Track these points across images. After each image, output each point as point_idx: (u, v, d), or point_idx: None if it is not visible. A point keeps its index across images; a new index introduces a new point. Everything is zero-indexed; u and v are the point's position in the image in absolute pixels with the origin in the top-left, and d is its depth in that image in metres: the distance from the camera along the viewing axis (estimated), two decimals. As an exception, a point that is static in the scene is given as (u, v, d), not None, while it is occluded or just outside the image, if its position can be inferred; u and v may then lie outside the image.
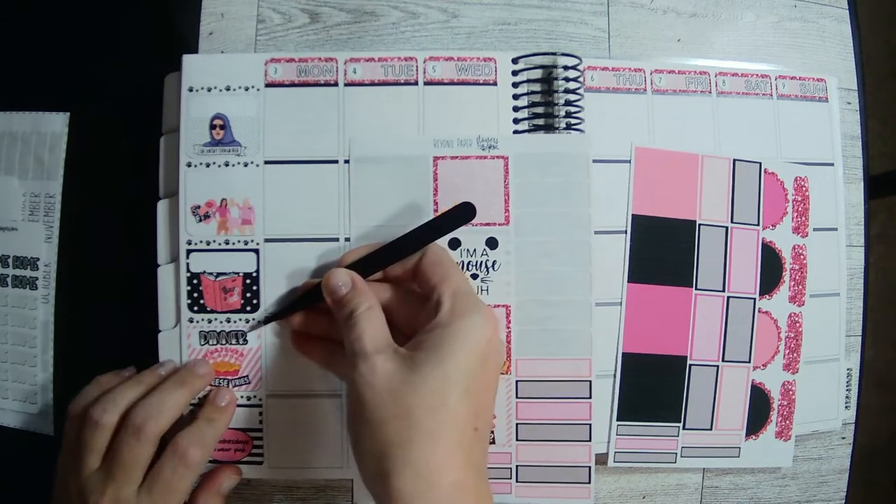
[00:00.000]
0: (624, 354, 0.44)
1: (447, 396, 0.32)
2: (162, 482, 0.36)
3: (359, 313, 0.35)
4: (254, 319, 0.42)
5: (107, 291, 0.47)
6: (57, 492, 0.38)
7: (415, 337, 0.35)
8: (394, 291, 0.39)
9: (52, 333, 0.46)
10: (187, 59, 0.43)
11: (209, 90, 0.42)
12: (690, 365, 0.45)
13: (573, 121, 0.44)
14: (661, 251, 0.45)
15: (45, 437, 0.46)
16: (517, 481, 0.43)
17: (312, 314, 0.41)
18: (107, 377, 0.40)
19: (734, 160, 0.46)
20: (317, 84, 0.43)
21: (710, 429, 0.46)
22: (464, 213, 0.38)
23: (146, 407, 0.37)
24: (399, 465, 0.31)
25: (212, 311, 0.42)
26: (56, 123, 0.47)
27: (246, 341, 0.42)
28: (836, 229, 0.48)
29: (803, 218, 0.47)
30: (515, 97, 0.44)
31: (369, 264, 0.39)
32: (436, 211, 0.42)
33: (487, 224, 0.43)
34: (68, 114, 0.47)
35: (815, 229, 0.47)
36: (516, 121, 0.43)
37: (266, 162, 0.42)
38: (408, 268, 0.39)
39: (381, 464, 0.31)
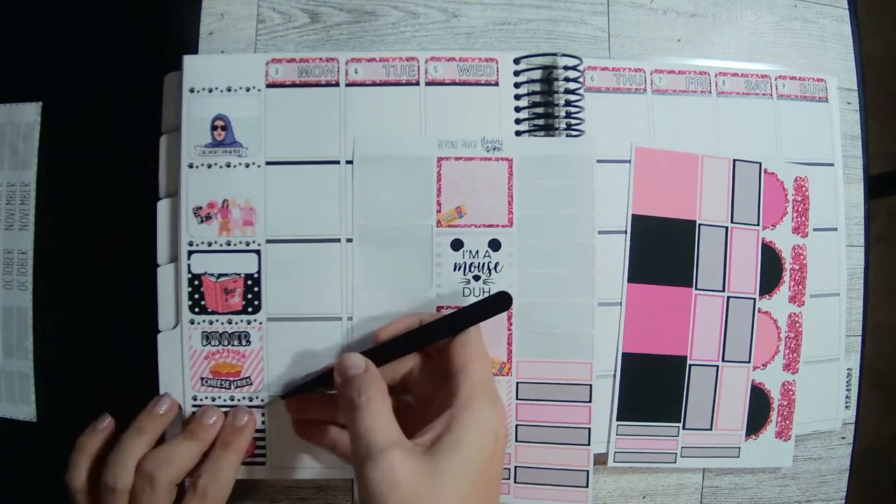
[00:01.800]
0: (624, 354, 0.45)
1: (469, 496, 0.32)
2: None
3: (367, 398, 0.34)
4: (260, 399, 0.42)
5: (100, 289, 0.47)
6: None
7: (429, 430, 0.34)
8: (412, 362, 0.39)
9: (30, 321, 0.46)
10: (188, 60, 0.43)
11: (210, 91, 0.42)
12: (690, 365, 0.45)
13: (573, 121, 0.44)
14: (661, 251, 0.45)
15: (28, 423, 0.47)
16: (515, 482, 0.43)
17: (316, 399, 0.41)
18: (87, 440, 0.39)
19: (734, 160, 0.46)
20: (318, 84, 0.43)
21: (710, 429, 0.46)
22: (502, 303, 0.39)
23: (155, 457, 0.37)
24: None
25: (213, 313, 0.42)
26: (29, 114, 0.47)
27: (248, 342, 0.42)
28: (836, 229, 0.48)
29: (803, 218, 0.47)
30: (517, 97, 0.44)
31: (397, 347, 0.39)
32: (439, 211, 0.42)
33: (490, 226, 0.43)
34: (41, 103, 0.47)
35: (815, 229, 0.47)
36: (518, 121, 0.43)
37: (267, 163, 0.42)
38: (438, 345, 0.39)
39: None
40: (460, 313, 0.38)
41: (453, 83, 0.43)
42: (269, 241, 0.42)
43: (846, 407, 0.48)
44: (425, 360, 0.39)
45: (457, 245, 0.42)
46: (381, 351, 0.38)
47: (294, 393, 0.41)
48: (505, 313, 0.43)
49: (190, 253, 0.42)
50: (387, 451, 0.32)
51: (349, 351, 0.38)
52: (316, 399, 0.41)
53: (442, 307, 0.43)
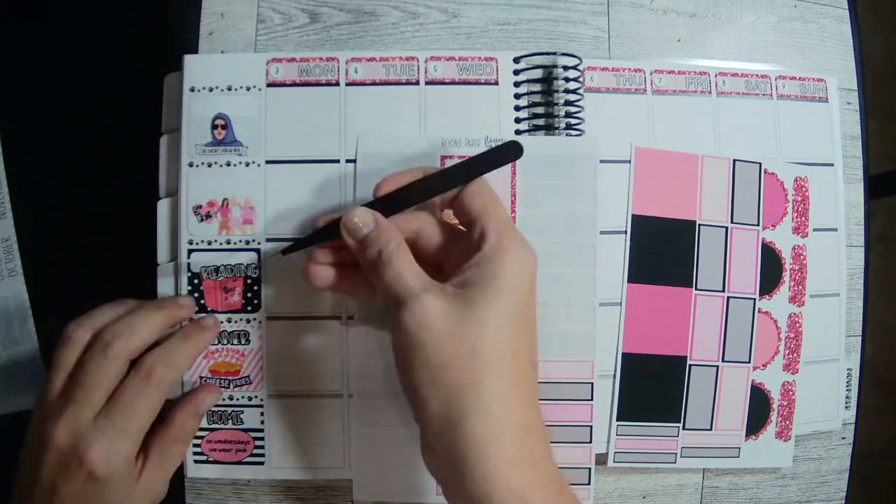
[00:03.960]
0: (624, 355, 0.44)
1: (509, 332, 0.31)
2: (123, 402, 0.34)
3: (388, 252, 0.32)
4: (266, 255, 0.41)
5: (99, 288, 0.47)
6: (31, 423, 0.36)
7: (459, 272, 0.33)
8: (421, 220, 0.36)
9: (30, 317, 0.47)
10: (188, 59, 0.43)
11: (211, 90, 0.42)
12: (690, 365, 0.45)
13: (573, 121, 0.44)
14: (661, 251, 0.45)
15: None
16: (517, 481, 0.43)
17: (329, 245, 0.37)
18: (107, 306, 0.38)
19: (734, 160, 0.46)
20: (318, 84, 0.43)
21: (710, 429, 0.46)
22: (511, 151, 0.36)
23: (118, 326, 0.35)
24: (472, 408, 0.29)
25: (213, 312, 0.42)
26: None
27: (248, 341, 0.42)
28: (836, 229, 0.48)
29: (803, 218, 0.47)
30: (517, 97, 0.44)
31: (405, 198, 0.35)
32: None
33: (493, 224, 0.43)
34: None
35: (815, 229, 0.47)
36: (518, 120, 0.43)
37: (267, 162, 0.42)
38: (445, 197, 0.36)
39: (451, 406, 0.30)
40: (471, 161, 0.35)
41: (453, 82, 0.43)
42: (268, 240, 0.42)
43: (846, 407, 0.48)
44: (430, 221, 0.37)
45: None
46: (387, 202, 0.35)
47: (295, 248, 0.38)
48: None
49: (190, 251, 0.42)
50: (419, 295, 0.31)
51: (354, 206, 0.35)
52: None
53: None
